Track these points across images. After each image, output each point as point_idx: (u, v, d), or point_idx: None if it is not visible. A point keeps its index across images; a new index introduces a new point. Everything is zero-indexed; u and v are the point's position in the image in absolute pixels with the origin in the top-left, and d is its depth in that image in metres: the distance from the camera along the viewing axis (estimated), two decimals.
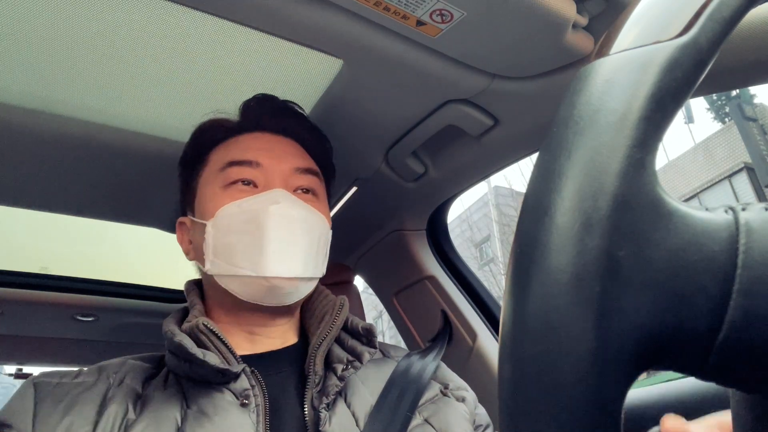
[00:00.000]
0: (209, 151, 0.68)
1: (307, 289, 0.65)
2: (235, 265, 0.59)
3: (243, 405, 0.54)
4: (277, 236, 0.59)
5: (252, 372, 0.58)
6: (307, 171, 0.67)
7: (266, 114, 0.69)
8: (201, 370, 0.55)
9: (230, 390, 0.56)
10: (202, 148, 0.69)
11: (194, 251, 0.67)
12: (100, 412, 0.52)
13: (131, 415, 0.53)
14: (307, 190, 0.67)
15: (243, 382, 0.56)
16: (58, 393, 0.54)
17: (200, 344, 0.56)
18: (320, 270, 0.66)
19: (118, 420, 0.52)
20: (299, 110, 0.73)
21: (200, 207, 0.65)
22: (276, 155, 0.66)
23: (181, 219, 0.71)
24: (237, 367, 0.57)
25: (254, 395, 0.56)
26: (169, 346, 0.58)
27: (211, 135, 0.69)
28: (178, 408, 0.54)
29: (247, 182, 0.63)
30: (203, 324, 0.57)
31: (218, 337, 0.57)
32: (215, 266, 0.61)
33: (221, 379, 0.56)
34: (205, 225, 0.62)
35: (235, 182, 0.63)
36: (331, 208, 1.06)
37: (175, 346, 0.55)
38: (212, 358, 0.54)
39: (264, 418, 0.55)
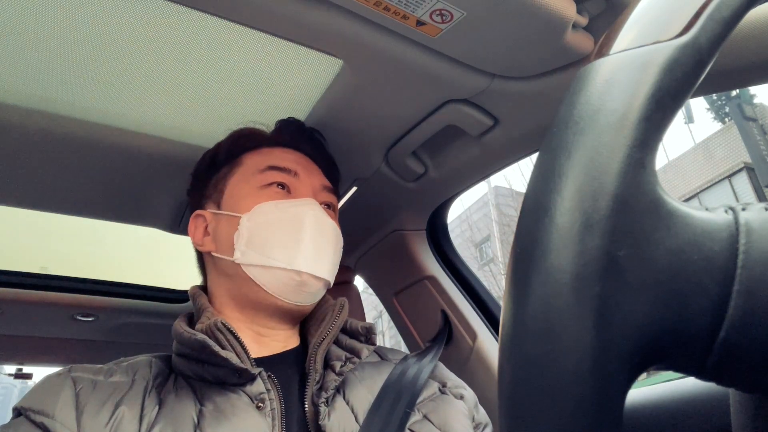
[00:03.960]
0: (242, 154, 0.72)
1: (322, 293, 0.69)
2: (270, 256, 0.62)
3: (258, 408, 0.55)
4: (315, 237, 0.64)
5: (269, 377, 0.59)
6: (332, 190, 0.74)
7: (299, 135, 0.76)
8: (216, 370, 0.56)
9: (245, 392, 0.56)
10: (238, 150, 0.73)
11: (214, 242, 0.68)
12: (143, 415, 0.53)
13: (152, 416, 0.53)
14: (329, 206, 0.72)
15: (259, 386, 0.57)
16: (101, 391, 0.55)
17: (218, 343, 0.57)
18: (334, 277, 0.69)
19: (145, 423, 0.52)
20: (320, 138, 0.80)
21: (232, 202, 0.68)
22: (309, 171, 0.72)
23: (199, 212, 0.72)
24: (255, 369, 0.57)
25: (270, 399, 0.56)
26: (185, 347, 0.58)
27: (247, 140, 0.74)
28: (193, 407, 0.55)
29: (282, 186, 0.68)
30: (221, 323, 0.58)
31: (235, 337, 0.58)
32: (246, 256, 0.63)
33: (237, 380, 0.56)
34: (238, 218, 0.65)
35: (271, 184, 0.67)
36: None
37: (194, 345, 0.56)
38: (232, 357, 0.55)
39: (280, 422, 0.55)
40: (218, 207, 0.69)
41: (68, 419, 0.51)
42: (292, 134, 0.76)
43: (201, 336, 0.56)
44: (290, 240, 0.63)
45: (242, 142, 0.74)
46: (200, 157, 0.77)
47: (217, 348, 0.55)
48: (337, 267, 0.70)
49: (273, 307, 0.64)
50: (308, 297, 0.65)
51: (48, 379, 0.56)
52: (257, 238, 0.63)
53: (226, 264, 0.66)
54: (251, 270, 0.63)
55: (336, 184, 0.79)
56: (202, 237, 0.70)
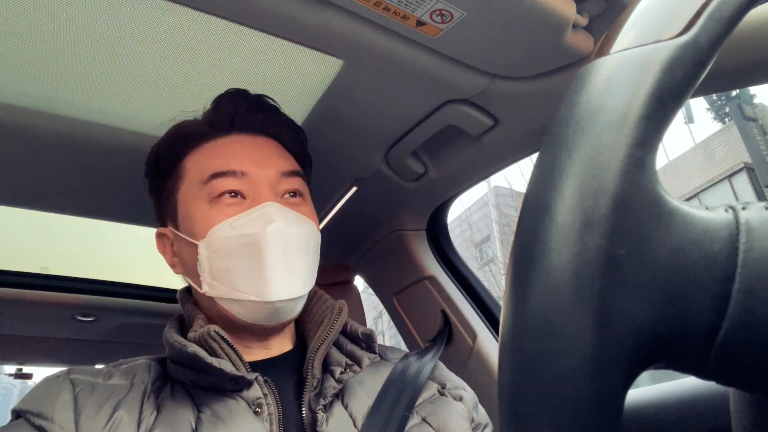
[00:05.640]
0: (183, 159, 0.65)
1: (304, 301, 0.65)
2: (237, 289, 0.58)
3: (256, 413, 0.55)
4: (277, 260, 0.58)
5: (265, 381, 0.58)
6: (292, 173, 0.65)
7: (240, 112, 0.66)
8: (212, 378, 0.55)
9: (242, 398, 0.56)
10: (177, 154, 0.66)
11: (182, 267, 0.65)
12: (141, 419, 0.53)
13: (150, 421, 0.53)
14: (294, 194, 0.65)
15: (256, 391, 0.56)
16: (99, 394, 0.54)
17: (211, 352, 0.56)
18: (315, 278, 0.65)
19: (143, 427, 0.52)
20: (272, 103, 0.70)
21: (186, 223, 0.63)
22: (259, 161, 0.63)
23: (161, 230, 0.68)
24: (251, 375, 0.57)
25: (267, 404, 0.56)
26: (177, 356, 0.58)
27: (183, 141, 0.66)
28: (191, 413, 0.54)
29: (234, 193, 0.61)
30: (215, 331, 0.56)
31: (229, 345, 0.57)
32: (214, 289, 0.60)
33: (233, 386, 0.56)
34: (196, 245, 0.60)
35: (221, 195, 0.61)
36: (331, 208, 1.06)
37: (187, 356, 0.55)
38: (227, 366, 0.54)
39: (278, 427, 0.55)
40: (176, 226, 0.64)
41: (66, 422, 0.51)
42: (230, 114, 0.66)
43: (192, 349, 0.55)
44: (253, 268, 0.57)
45: (180, 143, 0.66)
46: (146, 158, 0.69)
47: (210, 360, 0.54)
48: (316, 265, 0.65)
49: (254, 328, 0.62)
50: (288, 315, 0.62)
51: (47, 381, 0.56)
52: (220, 270, 0.59)
53: (198, 291, 0.63)
54: (222, 302, 0.60)
55: (300, 148, 0.70)
56: (171, 258, 0.66)
